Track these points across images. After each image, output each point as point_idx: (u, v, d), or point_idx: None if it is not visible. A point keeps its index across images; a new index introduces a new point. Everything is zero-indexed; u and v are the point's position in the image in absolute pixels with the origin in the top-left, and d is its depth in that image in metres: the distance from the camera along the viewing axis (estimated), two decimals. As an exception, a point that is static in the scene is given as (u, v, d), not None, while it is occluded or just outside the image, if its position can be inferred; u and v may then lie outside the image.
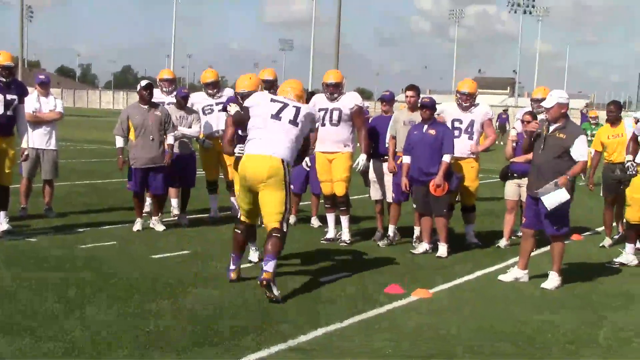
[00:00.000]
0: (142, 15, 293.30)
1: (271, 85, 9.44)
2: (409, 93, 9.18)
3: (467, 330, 5.76)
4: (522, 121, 8.82)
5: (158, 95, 10.31)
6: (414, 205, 8.85)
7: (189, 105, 10.14)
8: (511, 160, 9.04)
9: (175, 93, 10.32)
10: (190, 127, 9.92)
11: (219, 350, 5.05)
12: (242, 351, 5.04)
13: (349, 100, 9.00)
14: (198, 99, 10.36)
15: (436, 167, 8.47)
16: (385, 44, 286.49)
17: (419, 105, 8.80)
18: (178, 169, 9.77)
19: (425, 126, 8.59)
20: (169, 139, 9.41)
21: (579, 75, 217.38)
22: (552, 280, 7.31)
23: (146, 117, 9.24)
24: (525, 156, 8.92)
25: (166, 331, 5.36)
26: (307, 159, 9.09)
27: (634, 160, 8.54)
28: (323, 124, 8.95)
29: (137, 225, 9.35)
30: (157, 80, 10.74)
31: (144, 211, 9.77)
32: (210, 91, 10.29)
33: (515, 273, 7.52)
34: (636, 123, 9.20)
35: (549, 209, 7.16)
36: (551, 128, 7.29)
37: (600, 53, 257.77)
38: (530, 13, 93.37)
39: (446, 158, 8.48)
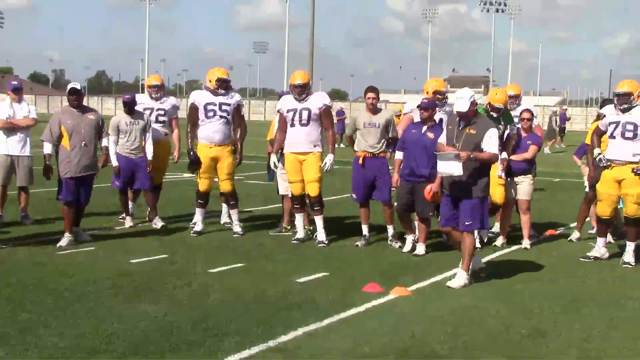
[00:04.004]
0: (116, 20, 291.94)
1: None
2: (370, 95, 9.07)
3: (450, 326, 5.83)
4: (521, 119, 9.13)
5: (147, 102, 10.31)
6: (395, 204, 8.87)
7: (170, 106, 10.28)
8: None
9: (163, 99, 10.38)
10: (144, 130, 9.77)
11: (202, 351, 5.09)
12: (225, 352, 5.08)
13: (318, 100, 9.07)
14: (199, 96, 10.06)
15: (427, 170, 8.29)
16: (359, 45, 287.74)
17: (418, 106, 8.54)
18: (129, 172, 9.77)
19: (425, 127, 8.45)
20: (104, 142, 9.09)
21: (551, 72, 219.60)
22: (460, 278, 7.14)
23: (79, 120, 8.66)
24: (522, 155, 9.02)
25: (147, 334, 5.39)
26: (274, 158, 9.20)
27: (602, 153, 8.51)
28: (292, 125, 9.02)
29: (64, 241, 8.56)
30: (145, 86, 10.68)
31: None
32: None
33: (462, 276, 7.23)
34: (599, 118, 8.99)
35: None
36: (461, 125, 7.27)
37: (571, 50, 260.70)
38: (503, 11, 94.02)
39: None
